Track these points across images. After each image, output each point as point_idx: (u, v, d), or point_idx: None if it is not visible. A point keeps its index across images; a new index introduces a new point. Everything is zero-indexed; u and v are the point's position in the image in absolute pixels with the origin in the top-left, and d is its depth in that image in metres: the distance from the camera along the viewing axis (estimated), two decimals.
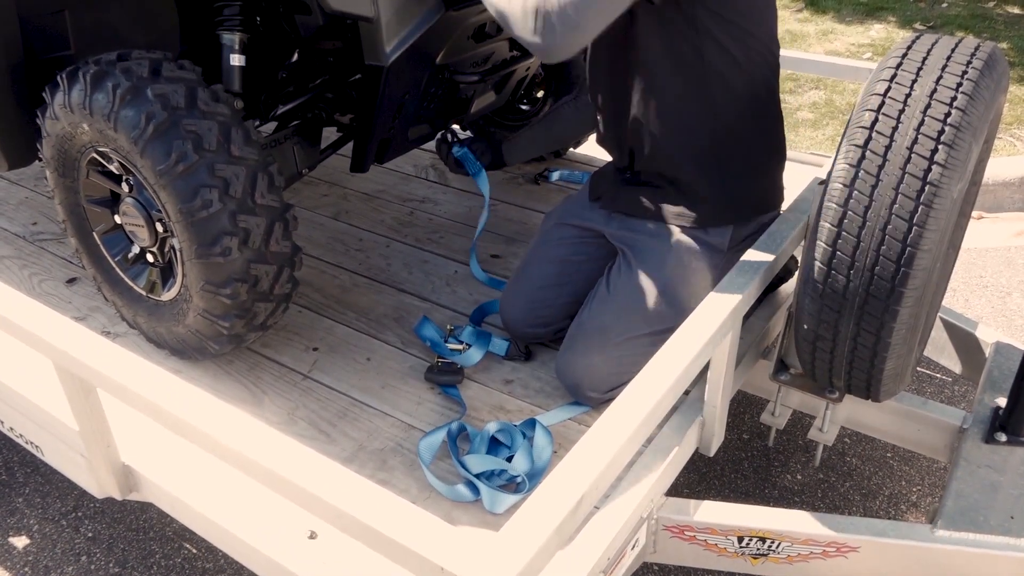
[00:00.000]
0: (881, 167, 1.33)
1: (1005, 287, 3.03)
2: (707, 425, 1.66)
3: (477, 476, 1.56)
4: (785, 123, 1.89)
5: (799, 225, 1.72)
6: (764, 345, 1.91)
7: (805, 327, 1.48)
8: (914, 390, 2.52)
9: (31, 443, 1.77)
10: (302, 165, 2.03)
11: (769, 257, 1.61)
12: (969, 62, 1.37)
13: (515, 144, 2.32)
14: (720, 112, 1.69)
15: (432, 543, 0.98)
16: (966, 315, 2.15)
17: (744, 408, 2.49)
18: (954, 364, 2.11)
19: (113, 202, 1.82)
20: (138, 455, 1.61)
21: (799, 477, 2.27)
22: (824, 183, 1.42)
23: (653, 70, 1.69)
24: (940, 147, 1.30)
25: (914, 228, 1.30)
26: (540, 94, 2.74)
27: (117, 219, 1.83)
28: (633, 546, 1.48)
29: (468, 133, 2.49)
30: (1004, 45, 4.76)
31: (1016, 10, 5.29)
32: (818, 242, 1.39)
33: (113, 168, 1.74)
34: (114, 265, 1.89)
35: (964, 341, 2.06)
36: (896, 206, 1.31)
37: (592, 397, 1.75)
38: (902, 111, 1.34)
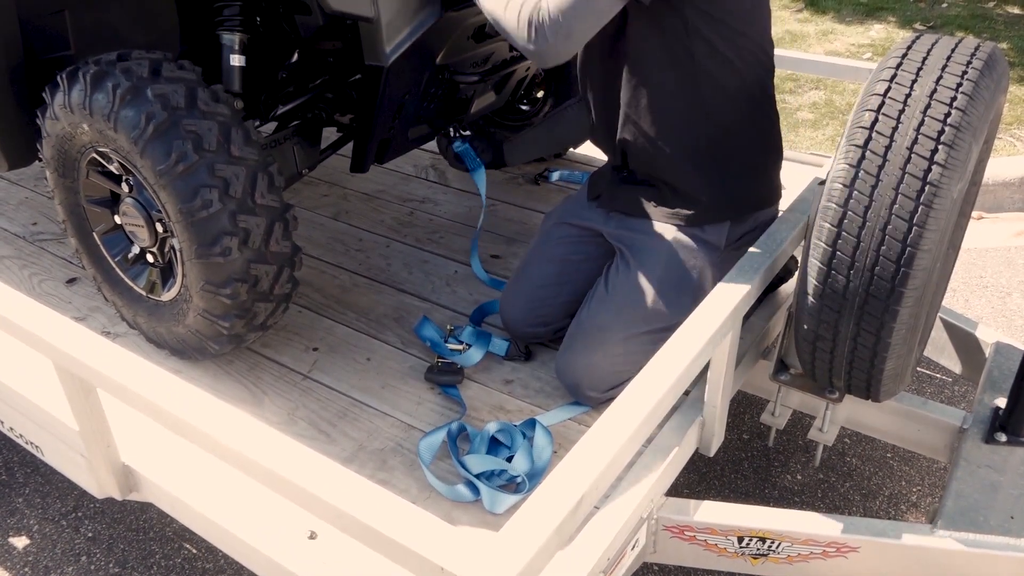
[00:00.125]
0: (881, 167, 1.33)
1: (1005, 287, 3.03)
2: (707, 425, 1.66)
3: (477, 476, 1.56)
4: (785, 123, 1.90)
5: (799, 225, 1.72)
6: (764, 345, 1.91)
7: (805, 327, 1.48)
8: (914, 390, 2.52)
9: (31, 443, 1.77)
10: (302, 165, 2.03)
11: (769, 257, 1.61)
12: (969, 62, 1.37)
13: (516, 144, 2.32)
14: (712, 111, 1.70)
15: (432, 543, 0.98)
16: (966, 315, 2.15)
17: (744, 408, 2.49)
18: (954, 364, 2.11)
19: (113, 202, 1.82)
20: (138, 455, 1.61)
21: (799, 477, 2.27)
22: (824, 183, 1.42)
23: (644, 70, 1.70)
24: (940, 147, 1.30)
25: (914, 228, 1.30)
26: (540, 94, 2.74)
27: (117, 219, 1.83)
28: (633, 546, 1.48)
29: (468, 133, 2.49)
30: (1004, 45, 4.77)
31: (1016, 10, 5.29)
32: (818, 242, 1.39)
33: (113, 168, 1.74)
34: (114, 265, 1.89)
35: (964, 341, 2.06)
36: (896, 206, 1.31)
37: (592, 396, 1.75)
38: (902, 111, 1.34)
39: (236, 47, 1.81)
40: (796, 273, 1.77)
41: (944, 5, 5.39)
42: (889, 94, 1.36)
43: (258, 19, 1.88)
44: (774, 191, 1.88)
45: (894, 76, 1.38)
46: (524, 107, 2.77)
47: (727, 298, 1.48)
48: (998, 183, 3.51)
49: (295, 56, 2.00)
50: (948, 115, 1.31)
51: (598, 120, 1.89)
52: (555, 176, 2.73)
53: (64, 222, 1.93)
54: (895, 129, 1.33)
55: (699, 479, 2.26)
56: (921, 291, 1.35)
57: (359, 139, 1.95)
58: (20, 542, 2.14)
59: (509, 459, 1.62)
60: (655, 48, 1.67)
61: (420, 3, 1.75)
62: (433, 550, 0.98)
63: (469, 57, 2.02)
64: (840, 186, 1.36)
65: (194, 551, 2.10)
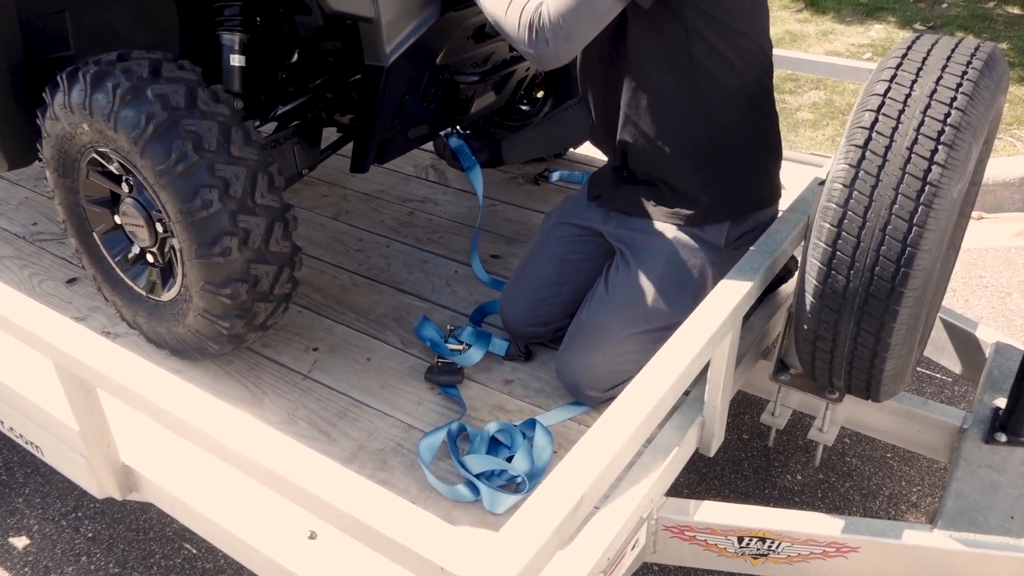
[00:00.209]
0: (881, 167, 1.33)
1: (1005, 287, 3.03)
2: (707, 425, 1.66)
3: (477, 476, 1.56)
4: (785, 123, 1.90)
5: (799, 225, 1.72)
6: (764, 345, 1.91)
7: (805, 327, 1.48)
8: (914, 390, 2.52)
9: (31, 443, 1.77)
10: (302, 165, 2.03)
11: (769, 257, 1.61)
12: (969, 62, 1.37)
13: (515, 143, 2.32)
14: (712, 111, 1.70)
15: (432, 543, 0.98)
16: (966, 315, 2.15)
17: (744, 408, 2.49)
18: (954, 364, 2.11)
19: (113, 202, 1.82)
20: (138, 455, 1.61)
21: (799, 477, 2.27)
22: (824, 183, 1.42)
23: (644, 71, 1.70)
24: (940, 147, 1.30)
25: (914, 228, 1.30)
26: (540, 95, 2.74)
27: (117, 219, 1.83)
28: (633, 546, 1.48)
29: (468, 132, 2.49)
30: (1004, 45, 4.77)
31: (1016, 10, 5.29)
32: (818, 242, 1.39)
33: (113, 168, 1.74)
34: (114, 265, 1.89)
35: (964, 341, 2.06)
36: (896, 206, 1.31)
37: (592, 396, 1.75)
38: (902, 111, 1.34)
39: (236, 47, 1.81)
40: (796, 273, 1.77)
41: (944, 5, 5.39)
42: (889, 94, 1.36)
43: (258, 19, 1.88)
44: (774, 191, 1.88)
45: (894, 76, 1.38)
46: (524, 107, 2.77)
47: (727, 298, 1.48)
48: (998, 183, 3.51)
49: (295, 56, 2.00)
50: (948, 115, 1.31)
51: (598, 121, 1.89)
52: (555, 176, 2.73)
53: (64, 222, 1.93)
54: (895, 129, 1.33)
55: (699, 479, 2.26)
56: (921, 291, 1.35)
57: (359, 139, 1.95)
58: (20, 542, 2.14)
59: (509, 459, 1.62)
60: (655, 50, 1.67)
61: (420, 3, 1.75)
62: (433, 550, 0.98)
63: (469, 57, 2.02)
64: (840, 186, 1.36)
65: (194, 551, 2.10)
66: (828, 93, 4.29)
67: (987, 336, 2.01)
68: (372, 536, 1.02)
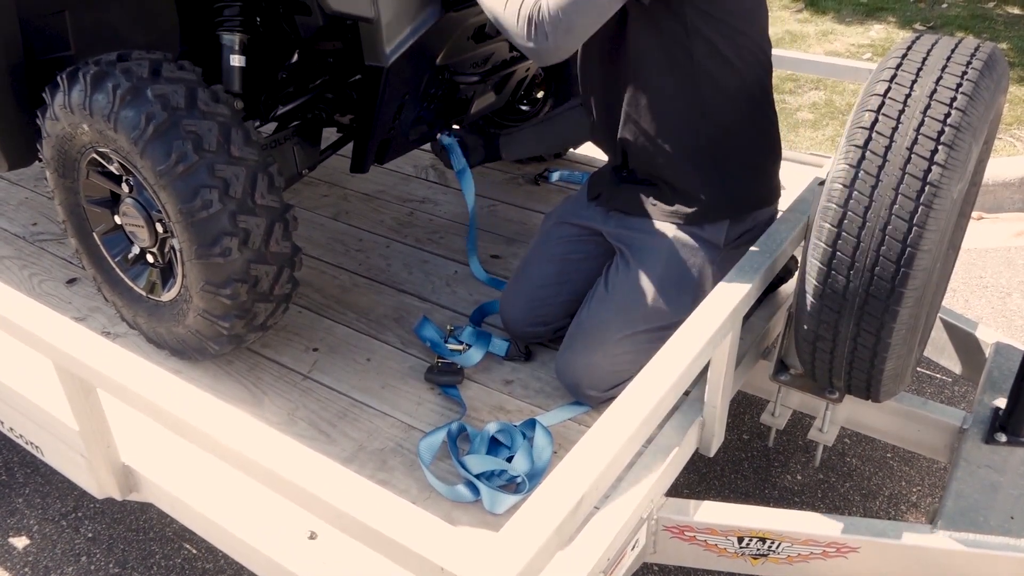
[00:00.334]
0: (881, 167, 1.33)
1: (1005, 287, 3.03)
2: (707, 425, 1.66)
3: (477, 476, 1.56)
4: (785, 123, 1.90)
5: (799, 225, 1.72)
6: (764, 345, 1.91)
7: (805, 327, 1.48)
8: (914, 390, 2.52)
9: (31, 443, 1.77)
10: (302, 166, 2.03)
11: (769, 257, 1.61)
12: (969, 62, 1.37)
13: (514, 139, 2.32)
14: (712, 111, 1.70)
15: (432, 543, 0.98)
16: (966, 315, 2.16)
17: (744, 408, 2.49)
18: (954, 364, 2.11)
19: (113, 202, 1.82)
20: (138, 455, 1.61)
21: (799, 477, 2.27)
22: (824, 183, 1.42)
23: (643, 70, 1.70)
24: (940, 147, 1.30)
25: (914, 228, 1.30)
26: (540, 95, 2.74)
27: (117, 219, 1.83)
28: (633, 546, 1.48)
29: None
30: (1004, 45, 4.77)
31: (1016, 10, 5.29)
32: (818, 242, 1.39)
33: (113, 169, 1.74)
34: (114, 266, 1.89)
35: (964, 341, 2.06)
36: (896, 206, 1.31)
37: (592, 396, 1.75)
38: (902, 111, 1.34)
39: (236, 47, 1.81)
40: (796, 273, 1.77)
41: (944, 5, 5.39)
42: (889, 94, 1.36)
43: (258, 19, 1.88)
44: (773, 190, 1.88)
45: (894, 76, 1.38)
46: (524, 107, 2.77)
47: (727, 298, 1.48)
48: (998, 183, 3.51)
49: (295, 56, 2.00)
50: (948, 115, 1.31)
51: (599, 119, 1.89)
52: (555, 176, 2.73)
53: (64, 222, 1.93)
54: (895, 129, 1.33)
55: (699, 479, 2.26)
56: (921, 291, 1.35)
57: (359, 139, 1.95)
58: (20, 542, 2.14)
59: (509, 459, 1.62)
60: (655, 48, 1.67)
61: (420, 3, 1.75)
62: (433, 550, 0.98)
63: (469, 57, 2.02)
64: (840, 186, 1.36)
65: (194, 551, 2.10)
66: (828, 93, 4.29)
67: (987, 336, 2.01)
68: (372, 536, 1.02)
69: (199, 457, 1.52)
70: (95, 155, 1.73)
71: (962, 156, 1.31)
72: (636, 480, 1.46)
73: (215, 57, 1.83)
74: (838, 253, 1.37)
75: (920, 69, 1.37)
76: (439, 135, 2.26)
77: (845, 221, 1.35)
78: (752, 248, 1.64)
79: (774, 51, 1.84)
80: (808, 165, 2.67)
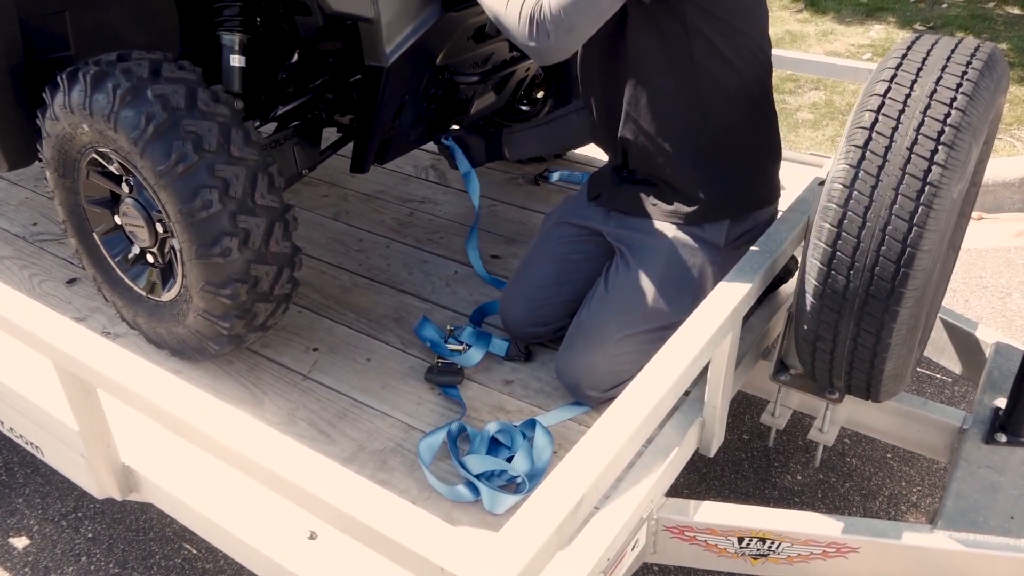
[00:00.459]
0: (881, 168, 1.33)
1: (1005, 288, 3.03)
2: (707, 425, 1.66)
3: (477, 476, 1.56)
4: (785, 123, 1.90)
5: (799, 225, 1.72)
6: (764, 345, 1.91)
7: (805, 327, 1.48)
8: (914, 390, 2.52)
9: (31, 444, 1.77)
10: (302, 166, 2.03)
11: (769, 257, 1.61)
12: (969, 63, 1.37)
13: (517, 138, 2.32)
14: (712, 111, 1.70)
15: (432, 543, 0.98)
16: (966, 316, 2.15)
17: (744, 408, 2.49)
18: (954, 365, 2.11)
19: (113, 203, 1.82)
20: (138, 455, 1.61)
21: (799, 478, 2.27)
22: (824, 183, 1.42)
23: (644, 70, 1.70)
24: (940, 148, 1.30)
25: (914, 229, 1.30)
26: (540, 95, 2.74)
27: (117, 220, 1.83)
28: (633, 547, 1.48)
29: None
30: (1004, 45, 4.77)
31: (1016, 10, 5.29)
32: (818, 242, 1.39)
33: (113, 169, 1.74)
34: (114, 266, 1.89)
35: (964, 342, 2.06)
36: (896, 207, 1.31)
37: (592, 396, 1.75)
38: (902, 112, 1.34)
39: (236, 47, 1.81)
40: (796, 273, 1.77)
41: (944, 5, 5.39)
42: (889, 94, 1.36)
43: (258, 19, 1.88)
44: (773, 190, 1.88)
45: (894, 76, 1.38)
46: (524, 107, 2.77)
47: (727, 298, 1.48)
48: (998, 183, 3.51)
49: (295, 56, 2.00)
50: (948, 115, 1.31)
51: (599, 119, 1.89)
52: (555, 176, 2.73)
53: (64, 222, 1.93)
54: (895, 129, 1.33)
55: (699, 479, 2.26)
56: (921, 291, 1.35)
57: (359, 139, 1.95)
58: (20, 542, 2.14)
59: (509, 459, 1.62)
60: (655, 48, 1.67)
61: (420, 3, 1.75)
62: (433, 550, 0.98)
63: (469, 57, 2.02)
64: (840, 186, 1.36)
65: (194, 551, 2.10)
66: (828, 93, 4.29)
67: (987, 336, 2.01)
68: (372, 536, 1.02)
69: (199, 457, 1.52)
70: (95, 155, 1.73)
71: (962, 156, 1.31)
72: (636, 480, 1.46)
73: (215, 57, 1.83)
74: (838, 253, 1.37)
75: (920, 69, 1.37)
76: (440, 137, 2.27)
77: (845, 221, 1.35)
78: (752, 248, 1.64)
79: (774, 51, 1.84)
80: (808, 165, 2.67)
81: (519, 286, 1.95)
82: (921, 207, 1.29)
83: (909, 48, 1.42)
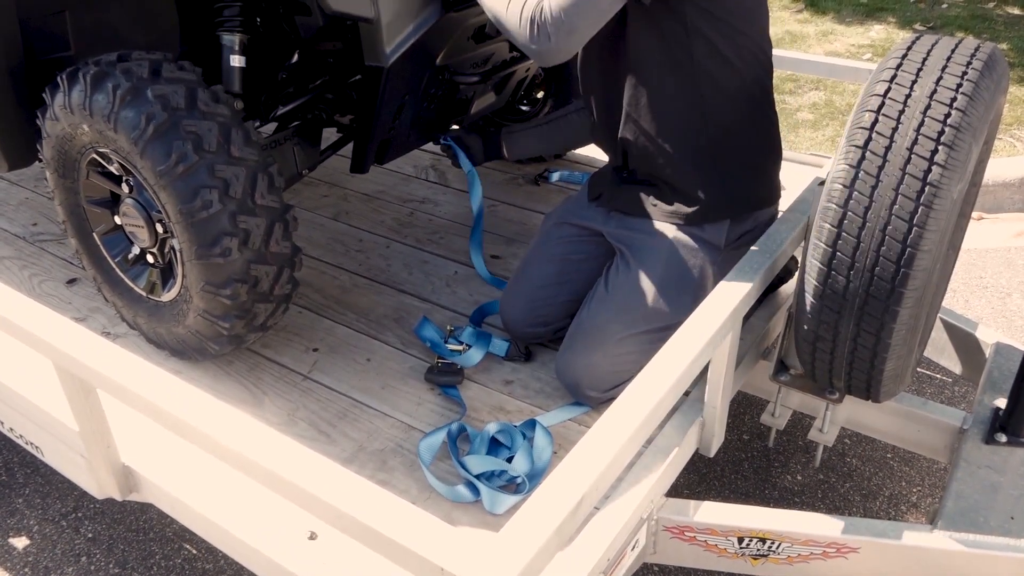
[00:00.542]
0: (881, 168, 1.33)
1: (1005, 288, 3.03)
2: (707, 426, 1.66)
3: (477, 477, 1.56)
4: (785, 123, 1.90)
5: (799, 225, 1.72)
6: (764, 346, 1.91)
7: (805, 327, 1.48)
8: (914, 391, 2.51)
9: (31, 444, 1.77)
10: (302, 166, 2.03)
11: (769, 257, 1.61)
12: (969, 63, 1.37)
13: (517, 138, 2.32)
14: (712, 111, 1.70)
15: (432, 543, 0.98)
16: (966, 316, 2.15)
17: (744, 409, 2.49)
18: (954, 365, 2.11)
19: (113, 203, 1.82)
20: (138, 455, 1.61)
21: (799, 478, 2.27)
22: (824, 183, 1.42)
23: (644, 70, 1.70)
24: (940, 148, 1.30)
25: (914, 229, 1.30)
26: (540, 95, 2.74)
27: (117, 220, 1.83)
28: (633, 547, 1.48)
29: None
30: (1004, 46, 4.77)
31: (1016, 11, 5.29)
32: (818, 242, 1.39)
33: (113, 169, 1.74)
34: (114, 266, 1.89)
35: (964, 342, 2.06)
36: (896, 207, 1.31)
37: (592, 396, 1.75)
38: (902, 112, 1.34)
39: (236, 48, 1.81)
40: (796, 273, 1.77)
41: (944, 6, 5.39)
42: (889, 95, 1.36)
43: (258, 20, 1.88)
44: (773, 191, 1.88)
45: (894, 77, 1.38)
46: (524, 107, 2.77)
47: (727, 298, 1.48)
48: (998, 183, 3.51)
49: (295, 57, 2.00)
50: (948, 116, 1.31)
51: (599, 119, 1.89)
52: (555, 176, 2.73)
53: (64, 223, 1.93)
54: (895, 130, 1.33)
55: (699, 479, 2.26)
56: (921, 292, 1.35)
57: (359, 140, 1.95)
58: (20, 542, 2.14)
59: (509, 460, 1.62)
60: (655, 48, 1.67)
61: (420, 3, 1.75)
62: (433, 550, 0.98)
63: (469, 58, 2.02)
64: (840, 187, 1.36)
65: (194, 552, 2.10)
66: (828, 93, 4.29)
67: (987, 336, 2.01)
68: (372, 536, 1.02)
69: (199, 457, 1.52)
70: (95, 155, 1.73)
71: (962, 156, 1.31)
72: (636, 480, 1.46)
73: (215, 57, 1.83)
74: (838, 253, 1.37)
75: (920, 69, 1.37)
76: (442, 139, 2.27)
77: (845, 221, 1.35)
78: (752, 248, 1.64)
79: (774, 51, 1.84)
80: (808, 165, 2.67)
81: (519, 286, 1.95)
82: (921, 207, 1.29)
83: (909, 48, 1.42)
